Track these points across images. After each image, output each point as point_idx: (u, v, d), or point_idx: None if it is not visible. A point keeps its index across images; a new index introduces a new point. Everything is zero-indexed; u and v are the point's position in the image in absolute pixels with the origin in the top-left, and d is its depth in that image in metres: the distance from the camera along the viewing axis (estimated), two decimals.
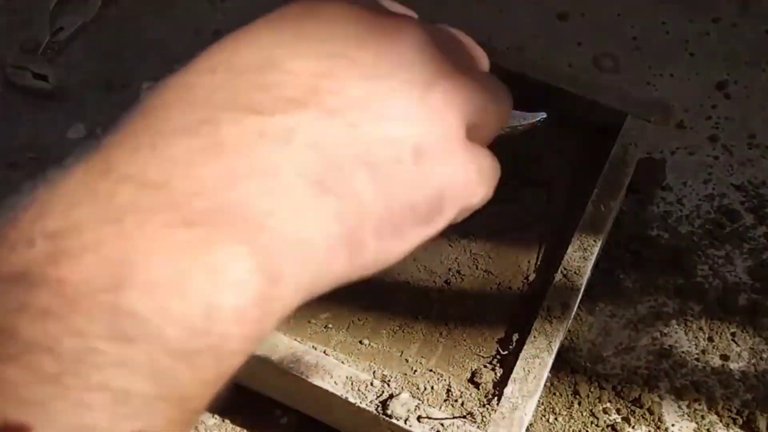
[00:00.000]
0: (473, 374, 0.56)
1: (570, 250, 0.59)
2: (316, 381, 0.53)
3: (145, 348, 0.19)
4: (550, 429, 0.60)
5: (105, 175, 0.21)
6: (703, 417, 0.62)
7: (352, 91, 0.24)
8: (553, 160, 0.67)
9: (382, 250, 0.25)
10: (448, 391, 0.55)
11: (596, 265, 0.64)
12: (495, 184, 0.30)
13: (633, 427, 0.60)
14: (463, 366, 0.57)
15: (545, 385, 0.60)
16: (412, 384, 0.55)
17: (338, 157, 0.23)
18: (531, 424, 0.60)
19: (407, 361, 0.57)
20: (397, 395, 0.52)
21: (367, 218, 0.24)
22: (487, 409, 0.53)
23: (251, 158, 0.22)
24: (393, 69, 0.25)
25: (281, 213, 0.22)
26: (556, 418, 0.61)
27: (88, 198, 0.20)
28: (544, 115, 0.63)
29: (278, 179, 0.22)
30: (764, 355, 0.65)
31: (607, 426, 0.60)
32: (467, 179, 0.28)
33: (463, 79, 0.28)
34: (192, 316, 0.20)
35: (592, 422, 0.61)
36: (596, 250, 0.60)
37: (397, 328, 0.59)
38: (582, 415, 0.61)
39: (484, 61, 0.33)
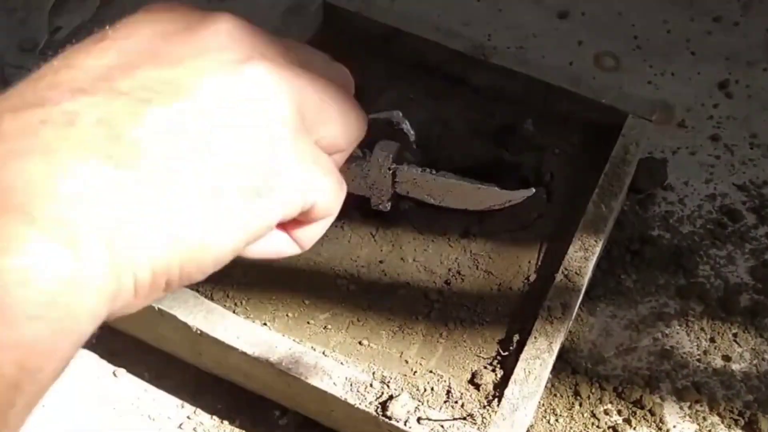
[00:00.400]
0: (473, 375, 0.56)
1: (571, 250, 0.59)
2: (315, 382, 0.52)
3: None
4: (550, 430, 0.60)
5: None
6: (704, 418, 0.61)
7: (147, 74, 0.24)
8: (554, 160, 0.67)
9: (209, 219, 0.24)
10: (448, 392, 0.54)
11: (597, 266, 0.64)
12: (343, 189, 0.29)
13: (634, 429, 0.60)
14: (463, 367, 0.56)
15: (546, 386, 0.60)
16: (412, 385, 0.54)
17: (129, 132, 0.22)
18: (531, 426, 0.60)
19: (407, 362, 0.57)
20: (396, 396, 0.52)
21: (179, 191, 0.23)
22: (488, 410, 0.52)
23: (33, 142, 0.21)
24: (200, 52, 0.25)
25: (74, 192, 0.21)
26: (557, 420, 0.60)
27: None
28: (532, 191, 0.63)
29: (64, 156, 0.21)
30: (766, 356, 0.65)
31: (609, 427, 0.60)
32: (298, 155, 0.26)
33: (294, 62, 0.27)
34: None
35: (593, 423, 0.60)
36: (597, 250, 0.59)
37: (397, 328, 0.58)
38: (583, 416, 0.61)
39: (337, 73, 0.31)
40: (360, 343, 0.58)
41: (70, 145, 0.22)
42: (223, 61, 0.25)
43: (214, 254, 0.24)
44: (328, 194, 0.28)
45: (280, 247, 0.30)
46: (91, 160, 0.22)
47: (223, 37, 0.25)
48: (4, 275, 0.20)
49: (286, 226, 0.29)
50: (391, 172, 0.60)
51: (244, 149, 0.24)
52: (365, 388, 0.52)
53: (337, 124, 0.28)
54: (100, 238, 0.21)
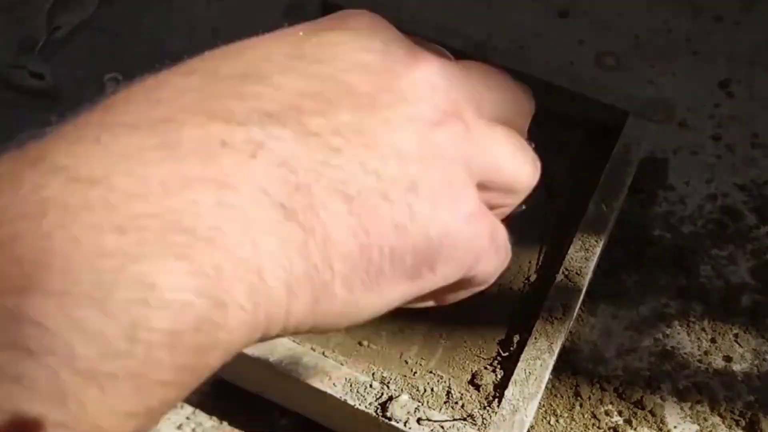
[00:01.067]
0: (473, 376, 0.55)
1: (571, 250, 0.59)
2: (315, 383, 0.52)
3: (48, 364, 0.16)
4: (551, 431, 0.60)
5: (35, 164, 0.18)
6: (705, 419, 0.61)
7: (340, 116, 0.21)
8: (554, 159, 0.67)
9: (352, 301, 0.21)
10: (448, 393, 0.54)
11: (598, 266, 0.63)
12: (507, 261, 0.26)
13: (635, 429, 0.60)
14: (463, 368, 0.56)
15: (546, 386, 0.60)
16: (412, 386, 0.54)
17: (310, 183, 0.20)
18: (532, 426, 0.60)
19: (407, 362, 0.56)
20: (396, 397, 0.52)
21: (337, 258, 0.20)
22: (488, 411, 0.52)
23: (208, 166, 0.19)
24: (395, 101, 0.22)
25: (233, 231, 0.19)
26: (557, 420, 0.60)
27: (10, 189, 0.18)
28: (522, 207, 0.63)
29: (235, 193, 0.19)
30: (767, 357, 0.64)
31: (609, 428, 0.60)
32: (473, 235, 0.24)
33: (488, 128, 0.25)
34: (111, 335, 0.17)
35: (593, 424, 0.60)
36: (598, 250, 0.59)
37: (397, 329, 0.58)
38: (583, 417, 0.60)
39: (524, 109, 0.28)
40: (360, 343, 0.58)
41: (246, 184, 0.19)
42: (417, 119, 0.22)
43: (351, 321, 0.22)
44: (492, 270, 0.26)
45: (412, 301, 0.26)
46: (264, 209, 0.19)
47: (424, 89, 0.23)
48: (150, 334, 0.17)
49: None
50: None
51: (421, 221, 0.22)
52: (365, 388, 0.52)
53: (513, 190, 0.27)
54: (251, 297, 0.19)
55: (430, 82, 0.23)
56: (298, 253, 0.20)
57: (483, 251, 0.25)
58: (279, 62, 0.22)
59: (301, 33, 0.23)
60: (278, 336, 0.21)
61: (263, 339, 0.21)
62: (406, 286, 0.22)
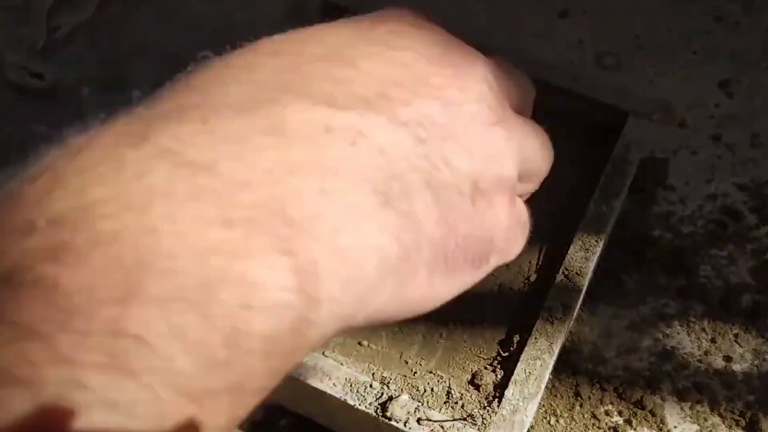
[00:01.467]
0: (473, 376, 0.55)
1: (571, 250, 0.59)
2: (315, 383, 0.52)
3: (149, 384, 0.15)
4: (551, 431, 0.60)
5: (139, 145, 0.17)
6: (705, 419, 0.61)
7: (422, 107, 0.22)
8: (554, 159, 0.67)
9: (431, 287, 0.22)
10: (448, 393, 0.54)
11: (598, 266, 0.63)
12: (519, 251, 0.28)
13: (635, 429, 0.60)
14: (463, 368, 0.56)
15: (546, 386, 0.60)
16: (412, 386, 0.54)
17: (403, 172, 0.20)
18: (532, 426, 0.60)
19: (407, 362, 0.56)
20: (396, 397, 0.52)
21: (425, 245, 0.21)
22: (488, 411, 0.52)
23: (312, 152, 0.19)
24: (463, 96, 0.23)
25: (334, 220, 0.18)
26: (557, 420, 0.60)
27: (113, 173, 0.16)
28: None
29: (338, 180, 0.19)
30: (767, 357, 0.64)
31: (609, 428, 0.60)
32: (513, 229, 0.26)
33: (521, 121, 0.26)
34: (212, 344, 0.16)
35: (593, 424, 0.60)
36: (598, 250, 0.59)
37: (397, 329, 0.58)
38: (583, 417, 0.60)
39: (531, 97, 0.31)
40: (360, 343, 0.58)
41: (348, 170, 0.19)
42: (478, 117, 0.24)
43: (424, 309, 0.23)
44: (518, 250, 0.28)
45: None
46: (364, 195, 0.19)
47: (483, 88, 0.24)
48: (249, 340, 0.17)
49: None
50: None
51: (482, 217, 0.24)
52: (365, 389, 0.52)
53: (539, 176, 0.29)
54: (345, 290, 0.19)
55: (486, 81, 0.25)
56: (393, 239, 0.20)
57: (518, 238, 0.27)
58: (360, 47, 0.22)
59: (365, 22, 0.24)
60: (359, 325, 0.21)
61: (345, 329, 0.21)
62: (470, 275, 0.24)
